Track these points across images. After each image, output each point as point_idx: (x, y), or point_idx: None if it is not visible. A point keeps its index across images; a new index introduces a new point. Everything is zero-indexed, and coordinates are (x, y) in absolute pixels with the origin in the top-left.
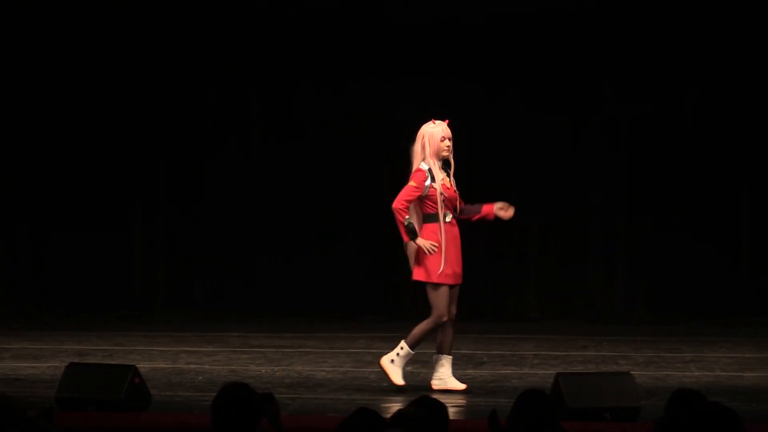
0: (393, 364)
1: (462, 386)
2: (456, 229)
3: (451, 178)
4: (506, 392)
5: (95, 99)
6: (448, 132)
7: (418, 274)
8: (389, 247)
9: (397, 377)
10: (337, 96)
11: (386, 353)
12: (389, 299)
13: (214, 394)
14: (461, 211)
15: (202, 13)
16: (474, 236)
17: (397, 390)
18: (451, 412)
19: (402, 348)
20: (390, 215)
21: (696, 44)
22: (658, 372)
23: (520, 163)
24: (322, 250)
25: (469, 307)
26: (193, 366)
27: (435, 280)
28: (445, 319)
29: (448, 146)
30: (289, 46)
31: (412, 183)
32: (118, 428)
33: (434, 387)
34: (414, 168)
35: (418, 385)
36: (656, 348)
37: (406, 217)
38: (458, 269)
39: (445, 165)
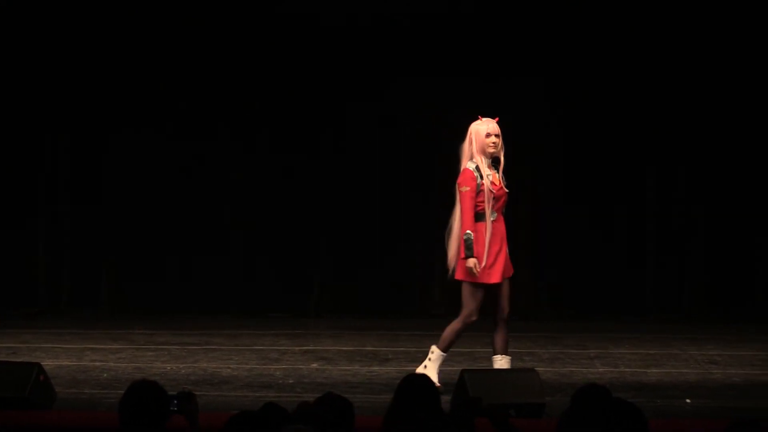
0: (426, 370)
1: None
2: (503, 227)
3: (501, 175)
4: None
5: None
6: (495, 129)
7: (459, 274)
8: (296, 244)
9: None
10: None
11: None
12: (295, 296)
13: (119, 391)
14: None
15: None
16: (376, 233)
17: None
18: (357, 408)
19: (433, 352)
20: (306, 213)
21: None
22: (563, 368)
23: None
24: (227, 247)
25: (374, 304)
26: (98, 363)
27: (475, 280)
28: (474, 318)
29: (493, 143)
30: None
31: (464, 188)
32: (22, 426)
33: None
34: (462, 167)
35: (323, 382)
36: (561, 344)
37: (467, 231)
38: (504, 265)
39: (494, 162)
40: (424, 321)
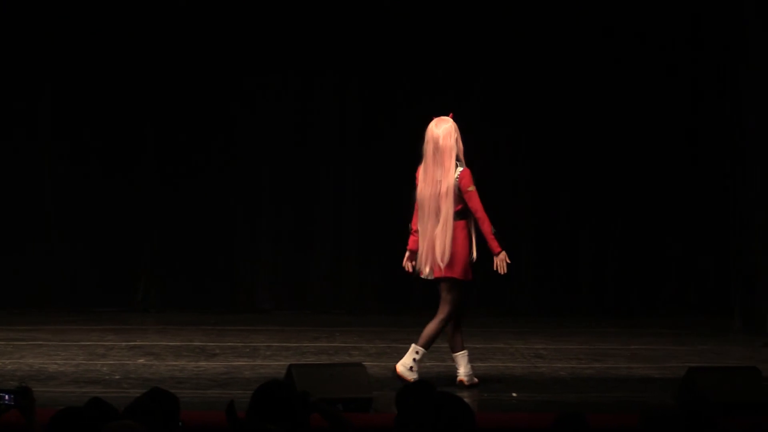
0: (412, 371)
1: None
2: None
3: None
4: (239, 384)
5: None
6: None
7: (449, 272)
8: (123, 238)
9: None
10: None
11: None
12: (122, 292)
13: None
14: None
15: None
16: (207, 227)
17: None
18: (185, 403)
19: (417, 352)
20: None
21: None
22: (390, 363)
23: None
24: (52, 243)
25: (202, 299)
26: None
27: (465, 278)
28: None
29: None
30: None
31: (471, 188)
32: None
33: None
34: (451, 166)
35: (150, 377)
36: (388, 339)
37: (491, 227)
38: None
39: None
40: (251, 316)
